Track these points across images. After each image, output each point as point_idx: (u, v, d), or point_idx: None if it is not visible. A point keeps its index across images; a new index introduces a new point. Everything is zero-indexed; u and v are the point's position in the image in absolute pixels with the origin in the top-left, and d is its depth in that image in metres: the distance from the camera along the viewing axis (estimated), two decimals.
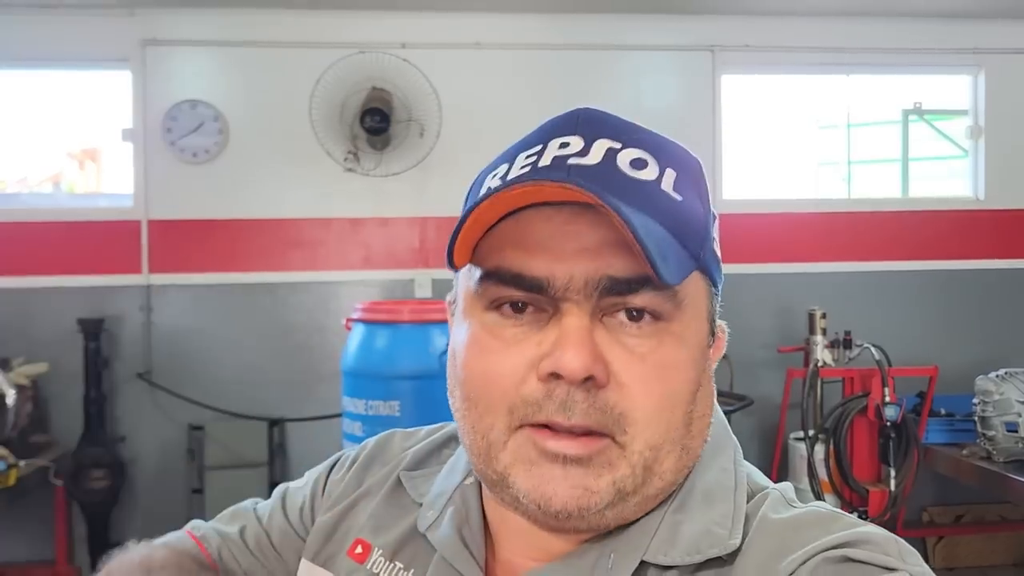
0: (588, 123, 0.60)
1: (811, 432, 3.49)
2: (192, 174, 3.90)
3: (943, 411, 3.65)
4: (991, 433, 3.12)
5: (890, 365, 3.46)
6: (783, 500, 0.61)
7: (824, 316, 3.70)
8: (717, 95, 4.15)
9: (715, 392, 0.66)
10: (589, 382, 0.54)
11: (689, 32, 4.10)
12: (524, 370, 0.56)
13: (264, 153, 3.93)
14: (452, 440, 0.77)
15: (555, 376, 0.55)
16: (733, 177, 4.24)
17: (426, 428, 0.81)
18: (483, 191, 0.56)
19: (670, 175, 0.59)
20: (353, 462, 0.80)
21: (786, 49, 4.15)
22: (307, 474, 0.83)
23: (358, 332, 2.87)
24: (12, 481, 3.12)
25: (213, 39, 3.92)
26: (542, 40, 4.02)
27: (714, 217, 0.64)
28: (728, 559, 0.57)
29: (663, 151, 0.60)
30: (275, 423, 3.84)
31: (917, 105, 4.44)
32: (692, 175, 0.62)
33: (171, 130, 3.87)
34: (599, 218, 0.54)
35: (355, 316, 2.91)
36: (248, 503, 0.85)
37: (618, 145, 0.59)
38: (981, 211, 4.28)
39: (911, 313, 4.19)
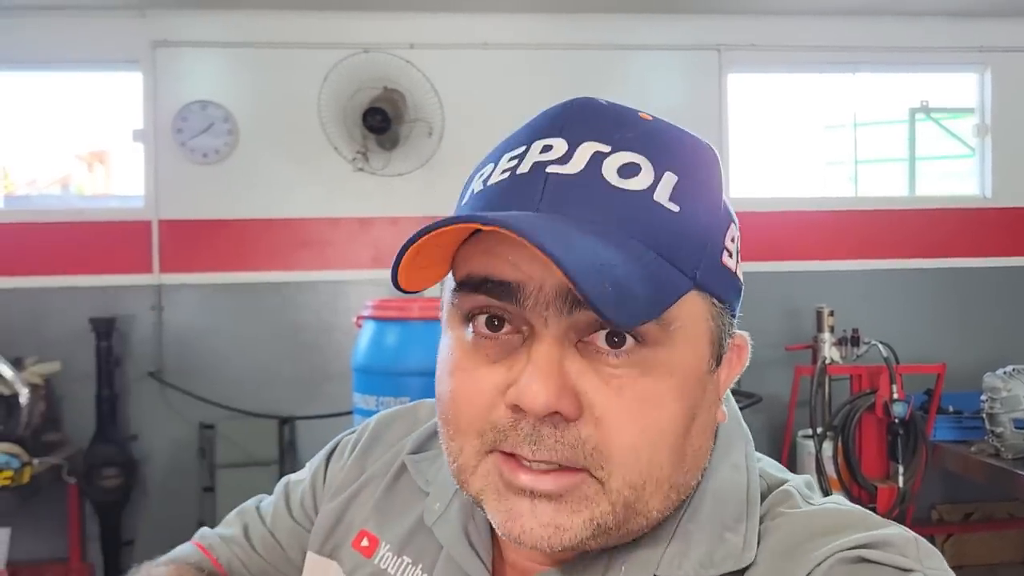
0: (577, 122, 0.55)
1: (819, 429, 3.49)
2: (202, 174, 3.93)
3: (951, 408, 3.65)
4: (999, 430, 3.13)
5: (898, 362, 3.46)
6: (800, 497, 0.59)
7: (832, 314, 3.71)
8: (723, 94, 4.16)
9: (722, 413, 0.61)
10: (557, 416, 0.51)
11: (695, 31, 4.12)
12: (493, 395, 0.53)
13: (274, 153, 3.96)
14: None
15: (520, 408, 0.51)
16: (740, 176, 4.25)
17: (427, 405, 0.78)
18: (426, 225, 0.51)
19: (668, 181, 0.53)
20: (353, 448, 0.78)
21: (792, 48, 4.16)
22: (308, 464, 0.82)
23: (369, 329, 2.89)
24: (26, 479, 3.15)
25: (223, 40, 3.95)
26: (549, 40, 4.03)
27: (729, 221, 0.57)
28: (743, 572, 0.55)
29: (663, 151, 0.54)
30: (285, 421, 3.86)
31: (924, 103, 4.44)
32: (698, 177, 0.55)
33: (181, 131, 3.89)
34: None
35: (366, 313, 2.93)
36: (251, 502, 0.83)
37: (607, 148, 0.53)
38: (988, 209, 4.28)
39: (919, 311, 4.20)
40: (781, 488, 0.60)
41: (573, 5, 3.97)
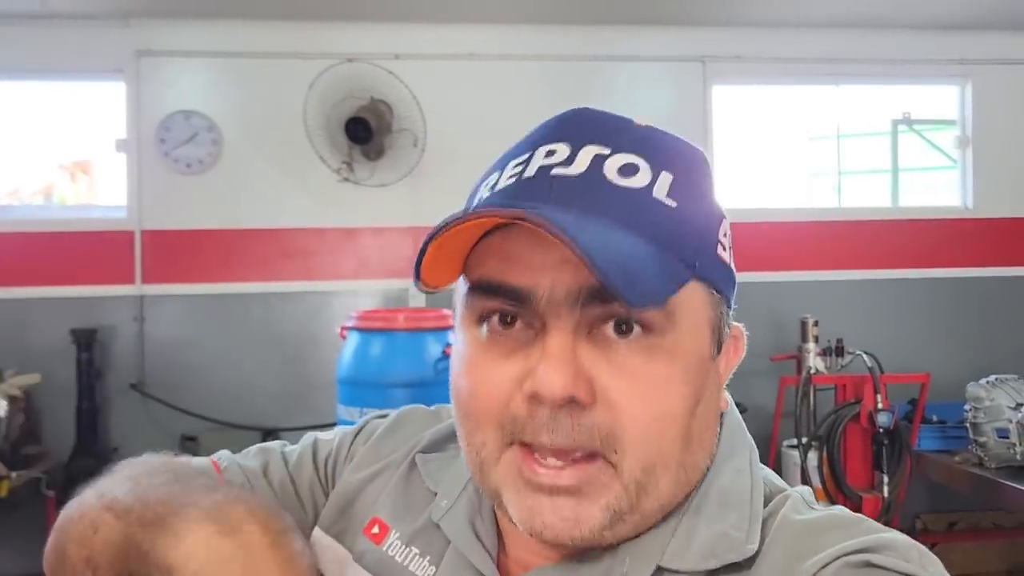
0: (578, 127, 0.59)
1: (804, 439, 3.50)
2: (186, 184, 3.90)
3: (935, 418, 3.67)
4: (983, 439, 3.14)
5: (882, 372, 3.47)
6: (803, 502, 0.60)
7: (816, 324, 3.72)
8: (708, 106, 4.18)
9: (728, 400, 0.65)
10: (573, 403, 0.53)
11: (680, 43, 4.14)
12: (511, 387, 0.55)
13: (258, 163, 3.94)
14: None
15: (538, 396, 0.53)
16: (724, 187, 4.27)
17: (448, 409, 0.78)
18: (446, 218, 0.55)
19: (665, 179, 0.57)
20: (377, 432, 0.79)
21: (776, 60, 4.19)
22: (336, 429, 0.82)
23: (353, 340, 2.87)
24: (4, 493, 3.11)
25: (208, 50, 3.93)
26: (534, 51, 4.04)
27: (721, 217, 0.61)
28: (746, 564, 0.56)
29: (659, 152, 0.58)
30: (269, 433, 3.83)
31: (906, 115, 4.48)
32: (692, 176, 0.59)
33: (165, 140, 3.87)
34: None
35: (350, 324, 2.91)
36: (275, 444, 0.83)
37: (606, 151, 0.57)
38: (970, 220, 4.32)
39: (902, 321, 4.22)
40: (783, 494, 0.61)
41: (558, 17, 3.99)
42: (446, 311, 3.06)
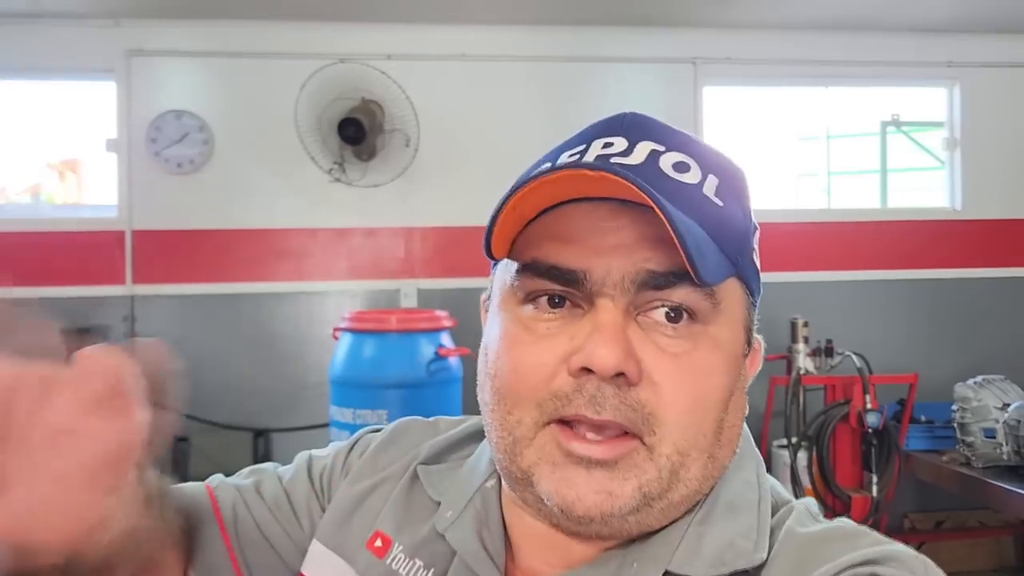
0: (632, 126, 0.61)
1: (794, 439, 3.52)
2: (177, 184, 3.89)
3: (923, 418, 3.70)
4: (970, 439, 3.17)
5: (871, 373, 3.50)
6: (808, 514, 0.61)
7: (806, 325, 3.74)
8: (699, 107, 4.19)
9: (746, 405, 0.65)
10: (620, 378, 0.54)
11: (671, 45, 4.15)
12: (555, 364, 0.55)
13: (250, 163, 3.93)
14: (473, 437, 0.75)
15: (586, 371, 0.54)
16: None
17: (447, 419, 0.80)
18: (527, 172, 0.56)
19: (712, 181, 0.59)
20: (373, 444, 0.78)
21: (767, 62, 4.21)
22: (331, 446, 0.82)
23: (346, 341, 2.88)
24: None
25: (199, 50, 3.92)
26: (527, 52, 4.05)
27: (755, 228, 0.64)
28: (754, 573, 0.57)
29: (706, 157, 0.61)
30: (260, 434, 3.83)
31: (895, 117, 4.51)
32: (735, 184, 0.61)
33: (156, 140, 3.86)
34: (639, 214, 0.54)
35: (343, 325, 2.92)
36: (267, 464, 0.82)
37: (661, 148, 0.59)
38: (958, 221, 4.35)
39: (891, 321, 4.25)
40: (788, 506, 0.62)
41: (550, 17, 3.99)
42: (438, 312, 3.07)
